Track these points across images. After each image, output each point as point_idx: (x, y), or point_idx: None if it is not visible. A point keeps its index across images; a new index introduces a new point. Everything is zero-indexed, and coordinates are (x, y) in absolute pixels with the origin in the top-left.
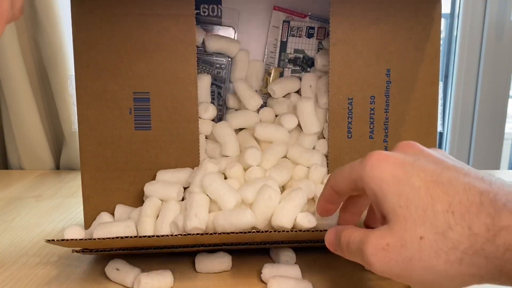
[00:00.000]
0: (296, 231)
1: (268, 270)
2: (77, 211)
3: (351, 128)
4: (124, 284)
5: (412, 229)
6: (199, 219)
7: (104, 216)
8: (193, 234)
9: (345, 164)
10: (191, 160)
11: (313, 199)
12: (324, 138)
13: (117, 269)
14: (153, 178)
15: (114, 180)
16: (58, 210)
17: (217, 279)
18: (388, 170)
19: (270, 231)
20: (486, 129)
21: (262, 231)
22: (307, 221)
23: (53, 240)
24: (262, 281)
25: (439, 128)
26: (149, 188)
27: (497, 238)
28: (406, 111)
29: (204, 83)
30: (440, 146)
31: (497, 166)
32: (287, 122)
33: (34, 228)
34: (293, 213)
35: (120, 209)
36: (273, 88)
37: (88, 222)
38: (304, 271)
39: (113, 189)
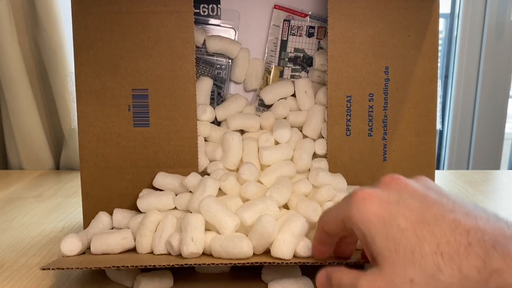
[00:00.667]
0: (295, 263)
1: (268, 271)
2: (77, 211)
3: (350, 125)
4: (124, 284)
5: (402, 272)
6: (195, 244)
7: (103, 217)
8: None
9: (333, 205)
10: (190, 158)
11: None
12: (323, 137)
13: (117, 269)
14: (152, 176)
15: (113, 177)
16: (58, 210)
17: (217, 279)
18: (374, 211)
19: (270, 263)
20: (486, 129)
21: (262, 263)
22: (307, 249)
23: (49, 268)
24: (262, 282)
25: (438, 126)
26: (141, 202)
27: (490, 281)
28: (405, 109)
29: (206, 85)
30: (440, 146)
31: (497, 166)
32: (281, 137)
33: (34, 228)
34: (293, 244)
35: (118, 214)
36: (263, 97)
37: (87, 219)
38: (303, 271)
39: (112, 186)
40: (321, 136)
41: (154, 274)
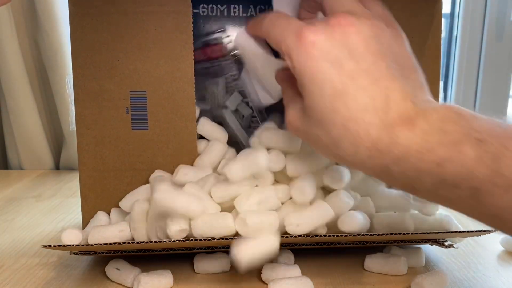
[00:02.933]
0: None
1: (268, 271)
2: (77, 211)
3: None
4: (124, 284)
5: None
6: (178, 224)
7: (100, 216)
8: (181, 240)
9: (282, 19)
10: (189, 161)
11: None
12: None
13: (117, 269)
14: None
15: (111, 180)
16: (58, 210)
17: (216, 279)
18: (313, 64)
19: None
20: None
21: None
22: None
23: (50, 245)
24: (262, 281)
25: None
26: (123, 202)
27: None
28: None
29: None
30: None
31: None
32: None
33: (34, 228)
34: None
35: (115, 213)
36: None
37: (86, 221)
38: (303, 271)
39: (111, 189)
40: None
41: (154, 273)
